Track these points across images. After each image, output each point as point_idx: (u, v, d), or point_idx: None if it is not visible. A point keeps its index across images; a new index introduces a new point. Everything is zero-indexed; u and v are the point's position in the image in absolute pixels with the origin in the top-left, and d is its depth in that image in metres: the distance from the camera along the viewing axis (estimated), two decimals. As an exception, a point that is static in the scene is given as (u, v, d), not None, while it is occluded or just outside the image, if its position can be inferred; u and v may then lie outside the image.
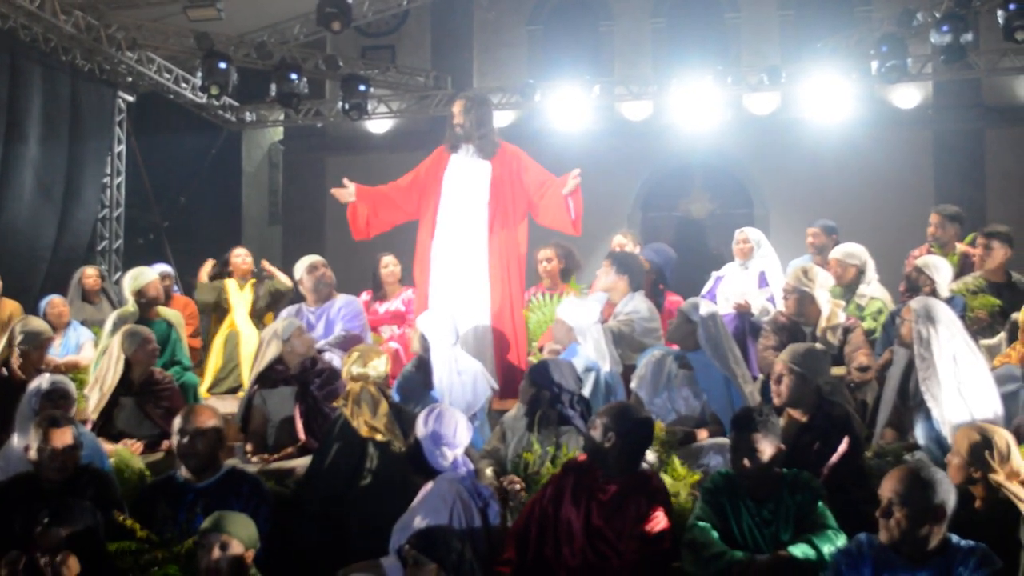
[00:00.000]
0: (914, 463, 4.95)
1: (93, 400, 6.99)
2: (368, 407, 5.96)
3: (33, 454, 5.30)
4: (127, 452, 6.48)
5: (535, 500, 5.15)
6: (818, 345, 6.63)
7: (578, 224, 7.83)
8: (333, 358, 7.45)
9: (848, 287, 8.17)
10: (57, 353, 9.09)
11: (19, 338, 7.32)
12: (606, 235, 10.33)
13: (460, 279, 7.75)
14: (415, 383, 6.84)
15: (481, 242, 7.78)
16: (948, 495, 4.09)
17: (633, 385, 6.66)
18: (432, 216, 7.92)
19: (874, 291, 8.17)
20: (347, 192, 8.13)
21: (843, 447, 5.37)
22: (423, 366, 6.91)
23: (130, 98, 15.73)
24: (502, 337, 7.71)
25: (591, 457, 5.06)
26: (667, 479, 5.45)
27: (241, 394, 7.96)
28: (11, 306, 9.94)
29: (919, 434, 5.83)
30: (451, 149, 7.98)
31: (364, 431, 5.88)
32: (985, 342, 7.07)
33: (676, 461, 5.70)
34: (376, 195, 8.14)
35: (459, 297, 7.67)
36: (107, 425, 6.94)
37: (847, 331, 7.17)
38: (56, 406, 6.01)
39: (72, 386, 6.35)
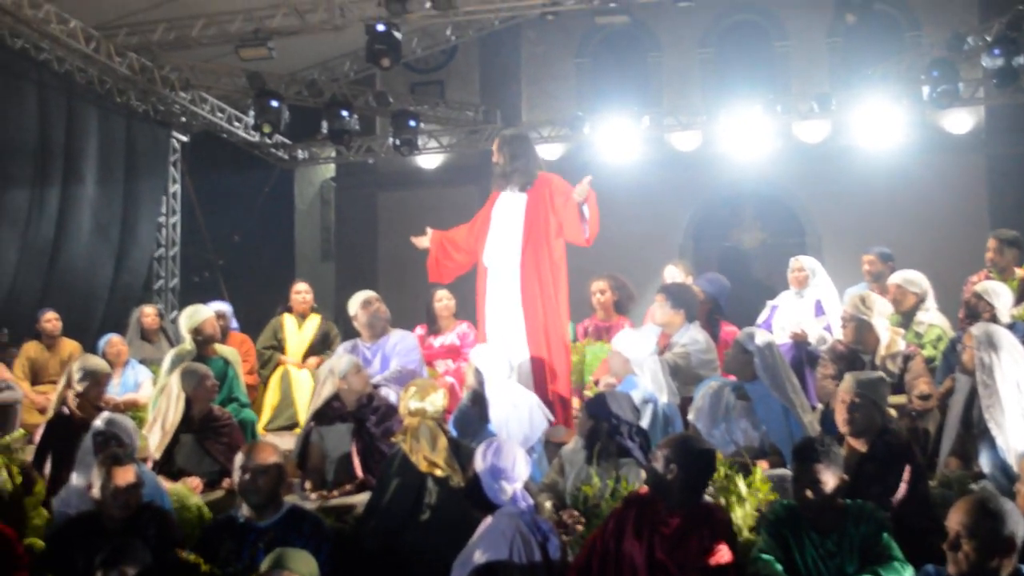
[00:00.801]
0: (981, 493, 4.87)
1: (155, 439, 7.03)
2: (427, 442, 5.95)
3: (96, 492, 5.34)
4: (186, 490, 6.52)
5: (596, 535, 5.09)
6: (880, 373, 6.55)
7: (591, 236, 7.80)
8: (389, 393, 7.47)
9: (906, 314, 8.08)
10: (116, 392, 9.21)
11: (77, 376, 7.39)
12: (658, 265, 10.29)
13: (503, 313, 7.82)
14: (471, 417, 6.83)
15: (515, 274, 7.84)
16: (1017, 526, 4.01)
17: (691, 417, 6.63)
18: (483, 254, 8.03)
19: (932, 318, 8.08)
20: (423, 239, 8.36)
21: (907, 476, 5.30)
22: (478, 400, 6.90)
23: (184, 138, 15.95)
24: (541, 368, 7.69)
25: (653, 489, 5.01)
26: (743, 493, 5.41)
27: (297, 431, 8.00)
28: (71, 345, 10.09)
29: (984, 463, 5.74)
30: (499, 188, 8.10)
31: (423, 466, 5.88)
32: (1048, 368, 6.96)
33: (758, 472, 5.62)
34: (444, 237, 8.33)
35: (503, 331, 7.73)
36: (167, 463, 6.99)
37: (907, 359, 7.09)
38: (112, 444, 6.07)
39: (132, 424, 6.40)
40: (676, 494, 4.89)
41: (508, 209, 8.00)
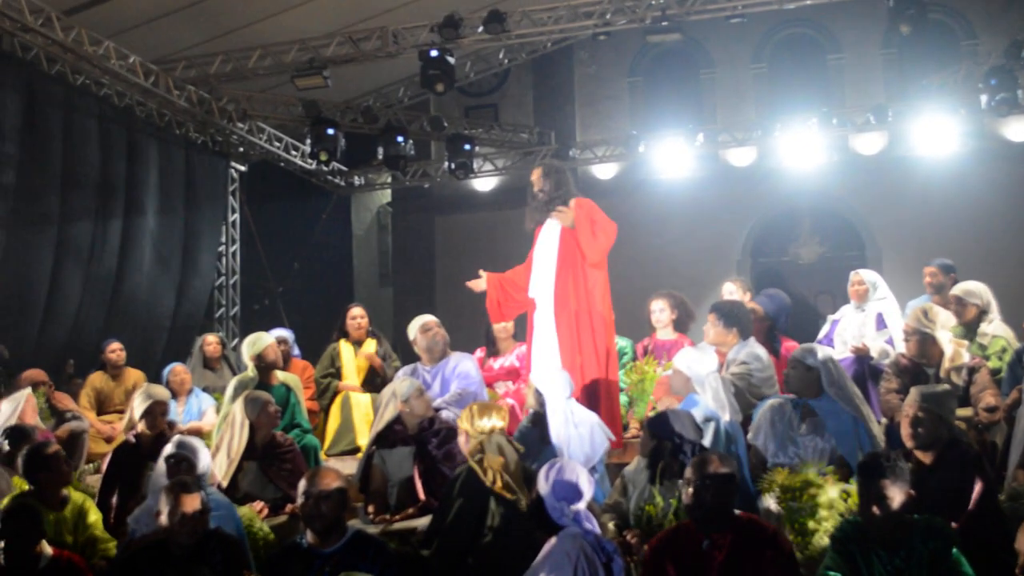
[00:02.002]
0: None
1: (220, 466, 7.09)
2: (500, 456, 5.94)
3: (164, 519, 5.39)
4: (251, 514, 6.57)
5: None
6: (946, 385, 6.47)
7: (592, 259, 7.90)
8: (450, 416, 7.48)
9: (968, 326, 7.98)
10: (180, 420, 9.31)
11: (138, 405, 7.49)
12: (715, 282, 10.27)
13: (544, 342, 7.91)
14: (532, 438, 6.83)
15: (550, 301, 7.92)
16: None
17: (750, 436, 6.54)
18: (529, 288, 8.18)
19: (996, 329, 7.96)
20: (479, 282, 8.37)
21: (977, 490, 5.23)
22: (539, 421, 6.89)
23: (242, 167, 16.12)
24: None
25: (694, 515, 4.97)
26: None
27: (359, 455, 8.03)
28: (135, 375, 10.22)
29: (1054, 475, 5.66)
30: (537, 221, 8.17)
31: (498, 484, 5.84)
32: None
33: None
34: (502, 279, 8.36)
35: (544, 360, 7.77)
36: (231, 489, 7.04)
37: (972, 371, 7.00)
38: (184, 467, 6.15)
39: (203, 447, 6.41)
40: (715, 511, 4.89)
41: (547, 238, 8.12)
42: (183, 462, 6.20)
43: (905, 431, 5.54)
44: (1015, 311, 8.66)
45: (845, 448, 6.22)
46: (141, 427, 7.41)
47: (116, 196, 12.90)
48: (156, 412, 7.51)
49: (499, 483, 5.87)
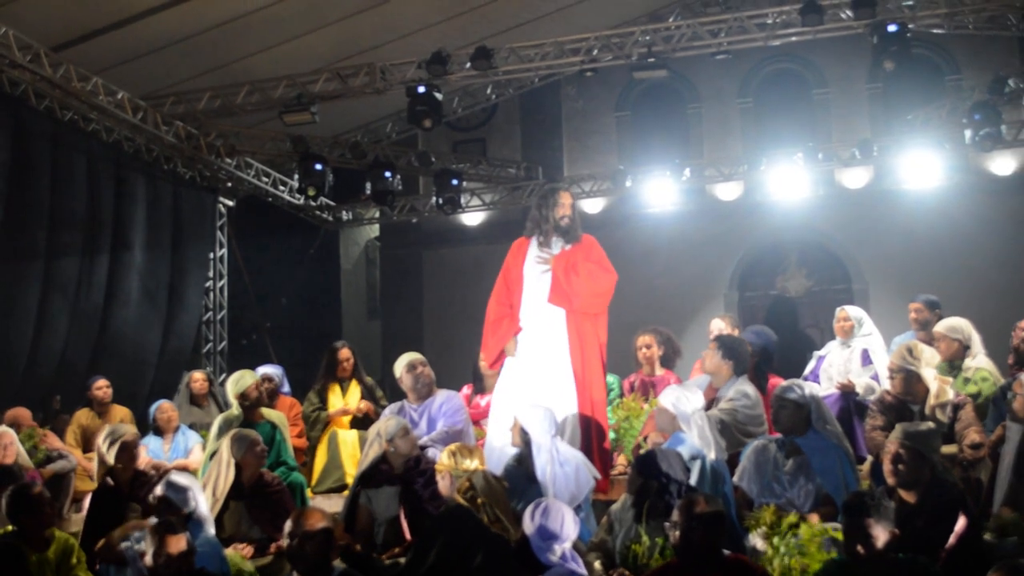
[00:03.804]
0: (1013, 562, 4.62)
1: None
2: (489, 491, 5.93)
3: (148, 560, 5.38)
4: (238, 556, 6.55)
5: None
6: (930, 423, 6.48)
7: (565, 303, 7.82)
8: (436, 454, 7.46)
9: (953, 362, 8.00)
10: (167, 457, 9.28)
11: (105, 448, 7.42)
12: (702, 316, 10.29)
13: (544, 370, 7.79)
14: (518, 477, 6.80)
15: (562, 331, 7.83)
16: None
17: (735, 479, 6.54)
18: (520, 311, 8.01)
19: (980, 363, 8.00)
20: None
21: (960, 527, 5.23)
22: (524, 460, 6.88)
23: (230, 203, 16.12)
24: (588, 425, 7.65)
25: (683, 556, 4.96)
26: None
27: (346, 493, 8.00)
28: (121, 412, 10.20)
29: (1039, 512, 5.67)
30: (540, 237, 8.03)
31: (490, 519, 5.83)
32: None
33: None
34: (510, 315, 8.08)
35: (546, 389, 7.68)
36: (216, 528, 7.00)
37: (956, 408, 7.00)
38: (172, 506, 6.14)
39: (189, 487, 6.37)
40: (704, 552, 4.88)
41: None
42: (165, 503, 6.19)
43: (886, 468, 5.56)
44: (1000, 344, 8.70)
45: (831, 485, 6.23)
46: (117, 468, 7.36)
47: (103, 231, 12.89)
48: (131, 447, 7.47)
49: (490, 517, 5.86)
